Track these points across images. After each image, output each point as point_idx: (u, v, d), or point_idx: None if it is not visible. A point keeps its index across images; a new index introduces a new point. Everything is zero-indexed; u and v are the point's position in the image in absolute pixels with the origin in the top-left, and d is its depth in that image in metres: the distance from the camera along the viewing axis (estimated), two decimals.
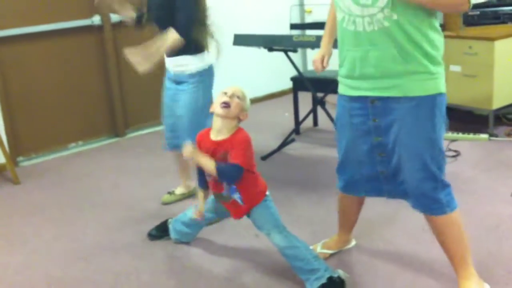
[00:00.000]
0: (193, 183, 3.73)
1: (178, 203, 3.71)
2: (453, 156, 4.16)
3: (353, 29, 2.30)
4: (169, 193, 3.76)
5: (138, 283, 2.84)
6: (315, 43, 4.04)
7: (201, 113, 3.28)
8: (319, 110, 4.90)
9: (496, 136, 4.49)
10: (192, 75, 3.31)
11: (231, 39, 4.37)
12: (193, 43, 3.25)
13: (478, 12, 4.72)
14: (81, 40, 4.98)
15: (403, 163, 2.38)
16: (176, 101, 3.37)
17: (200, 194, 2.82)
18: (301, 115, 4.95)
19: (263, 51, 4.46)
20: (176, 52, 3.28)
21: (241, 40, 4.43)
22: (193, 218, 2.96)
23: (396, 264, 2.82)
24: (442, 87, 2.33)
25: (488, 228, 3.10)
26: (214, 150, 2.56)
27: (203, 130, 2.70)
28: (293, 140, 4.79)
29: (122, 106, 5.29)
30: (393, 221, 3.22)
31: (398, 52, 2.25)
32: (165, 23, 3.19)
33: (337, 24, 2.42)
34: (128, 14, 3.43)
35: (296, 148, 4.69)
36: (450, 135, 4.49)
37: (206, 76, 3.36)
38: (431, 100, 2.31)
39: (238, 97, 2.57)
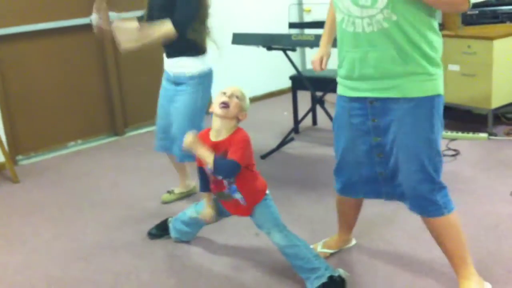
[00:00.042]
0: (192, 182, 3.74)
1: (178, 202, 3.71)
2: (453, 155, 4.16)
3: (352, 30, 2.30)
4: (169, 192, 3.76)
5: (138, 282, 2.84)
6: (314, 42, 4.04)
7: (198, 115, 3.28)
8: (318, 109, 4.90)
9: (495, 135, 4.50)
10: (192, 77, 3.30)
11: (229, 38, 4.37)
12: (193, 44, 3.24)
13: (476, 12, 4.73)
14: (81, 39, 4.97)
15: (400, 164, 2.38)
16: (174, 102, 3.36)
17: (206, 198, 2.82)
18: (300, 114, 4.95)
19: (262, 50, 4.46)
20: (177, 53, 3.28)
21: (240, 39, 4.43)
22: (193, 217, 2.98)
23: (396, 264, 2.82)
24: (440, 88, 2.34)
25: (487, 227, 3.10)
26: (214, 150, 2.56)
27: (202, 131, 2.70)
28: (292, 139, 4.79)
29: (121, 105, 5.29)
30: (393, 221, 3.22)
31: (397, 53, 2.25)
32: None
33: (337, 25, 2.42)
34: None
35: (295, 147, 4.69)
36: (450, 134, 4.50)
37: (205, 78, 3.35)
38: (430, 101, 2.31)
39: (237, 97, 2.56)
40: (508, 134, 4.53)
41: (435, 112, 2.32)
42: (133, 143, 5.10)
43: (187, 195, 3.76)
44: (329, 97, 4.59)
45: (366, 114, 2.40)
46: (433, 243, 2.53)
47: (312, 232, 3.15)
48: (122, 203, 3.80)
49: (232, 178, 2.60)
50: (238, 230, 3.23)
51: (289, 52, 4.46)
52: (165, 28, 3.12)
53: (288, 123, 5.10)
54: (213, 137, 2.58)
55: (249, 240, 3.14)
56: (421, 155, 2.33)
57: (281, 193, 3.59)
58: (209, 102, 2.63)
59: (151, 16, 3.28)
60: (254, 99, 5.90)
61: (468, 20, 4.74)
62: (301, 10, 6.46)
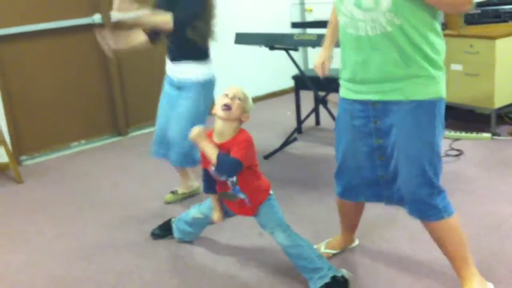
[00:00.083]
0: (195, 183, 3.74)
1: (181, 202, 3.71)
2: (456, 155, 4.16)
3: (355, 33, 2.30)
4: (172, 192, 3.76)
5: (140, 282, 2.85)
6: (316, 42, 4.04)
7: (200, 120, 3.28)
8: (321, 109, 4.90)
9: (499, 135, 4.49)
10: (197, 84, 3.31)
11: (232, 37, 4.37)
12: (197, 48, 3.26)
13: (479, 11, 4.72)
14: (82, 39, 4.98)
15: (400, 167, 2.37)
16: (176, 106, 3.36)
17: (214, 200, 2.82)
18: (303, 114, 4.95)
19: (264, 49, 4.46)
20: (182, 58, 3.28)
21: (242, 38, 4.44)
22: (197, 217, 2.99)
23: (397, 264, 2.82)
24: (442, 91, 2.34)
25: (490, 227, 3.10)
26: None
27: (206, 132, 2.70)
28: (295, 139, 4.79)
29: (124, 105, 5.30)
30: (394, 222, 3.21)
31: (400, 56, 2.25)
32: None
33: (339, 28, 2.42)
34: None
35: (298, 147, 4.69)
36: (453, 134, 4.50)
37: (209, 85, 3.36)
38: (432, 104, 2.31)
39: (239, 98, 2.55)
40: (511, 134, 4.52)
41: (437, 115, 2.32)
42: (136, 143, 5.11)
43: (190, 196, 3.76)
44: (332, 97, 4.57)
45: (368, 116, 2.40)
46: (434, 244, 2.52)
47: (315, 232, 3.15)
48: (124, 203, 3.80)
49: (235, 179, 2.61)
50: (241, 230, 3.23)
51: (291, 52, 4.46)
52: (164, 17, 3.12)
53: (291, 123, 5.10)
54: (216, 139, 2.58)
55: (252, 240, 3.14)
56: (422, 158, 2.32)
57: (284, 193, 3.59)
58: (211, 106, 2.63)
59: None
60: (256, 99, 5.92)
61: (470, 20, 4.74)
62: (303, 10, 6.46)
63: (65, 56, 4.92)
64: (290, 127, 4.93)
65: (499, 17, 4.74)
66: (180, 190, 3.76)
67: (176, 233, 3.17)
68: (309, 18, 6.34)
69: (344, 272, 2.63)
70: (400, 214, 3.19)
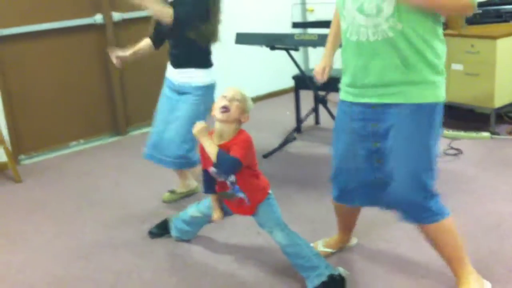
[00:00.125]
0: (193, 182, 3.74)
1: (179, 201, 3.71)
2: (455, 155, 4.15)
3: (357, 39, 2.30)
4: (170, 191, 3.76)
5: (140, 281, 2.84)
6: (317, 42, 4.04)
7: None
8: (321, 108, 4.90)
9: (498, 134, 4.49)
10: (198, 88, 3.31)
11: (233, 37, 4.37)
12: (200, 55, 3.28)
13: (480, 11, 4.72)
14: (83, 39, 4.98)
15: (396, 170, 2.35)
16: (176, 110, 3.36)
17: (213, 201, 2.81)
18: (303, 114, 4.95)
19: (265, 49, 4.46)
20: (185, 64, 3.29)
21: (243, 38, 4.44)
22: (195, 216, 2.99)
23: (395, 263, 2.82)
24: (441, 96, 2.34)
25: (489, 227, 3.09)
26: None
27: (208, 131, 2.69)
28: (294, 139, 4.79)
29: (123, 105, 5.30)
30: (392, 221, 3.18)
31: (401, 61, 2.25)
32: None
33: (341, 34, 2.42)
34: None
35: (298, 146, 4.69)
36: (452, 133, 4.49)
37: (210, 90, 3.36)
38: (431, 107, 2.31)
39: (237, 99, 2.55)
40: (510, 133, 4.52)
41: (435, 119, 2.32)
42: (135, 142, 5.09)
43: (188, 195, 3.75)
44: (332, 97, 4.58)
45: (367, 119, 2.40)
46: None
47: (313, 231, 3.14)
48: (123, 202, 3.80)
49: (235, 178, 2.60)
50: (239, 229, 3.22)
51: (292, 52, 4.46)
52: (166, 8, 3.14)
53: (290, 122, 5.10)
54: (216, 140, 2.57)
55: (250, 239, 3.14)
56: (418, 161, 2.31)
57: (282, 192, 3.58)
58: (211, 109, 2.63)
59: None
60: (257, 99, 5.91)
61: (471, 20, 4.73)
62: (304, 10, 6.46)
63: (65, 56, 4.92)
64: (289, 127, 4.93)
65: (500, 17, 4.74)
66: (178, 190, 3.76)
67: (173, 232, 3.16)
68: (311, 18, 6.34)
69: (341, 270, 2.63)
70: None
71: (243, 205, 2.69)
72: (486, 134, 4.46)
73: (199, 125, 2.56)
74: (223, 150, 2.51)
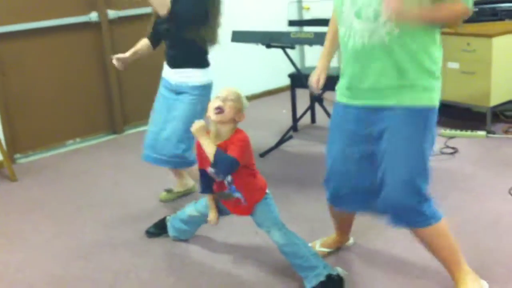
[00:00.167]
0: (190, 181, 3.74)
1: (176, 200, 3.70)
2: (451, 153, 4.16)
3: (354, 43, 2.31)
4: (167, 190, 3.76)
5: (137, 280, 2.84)
6: (313, 40, 4.04)
7: None
8: (317, 107, 4.90)
9: (494, 133, 4.50)
10: (195, 88, 3.30)
11: (229, 35, 4.37)
12: (197, 55, 3.28)
13: (476, 9, 4.72)
14: (79, 37, 4.97)
15: (389, 173, 2.34)
16: (173, 110, 3.35)
17: (210, 201, 2.82)
18: (299, 112, 4.95)
19: (261, 47, 4.45)
20: (182, 63, 3.28)
21: (239, 36, 4.43)
22: (192, 215, 2.99)
23: (393, 263, 2.83)
24: (436, 101, 2.35)
25: (486, 225, 3.10)
26: None
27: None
28: (290, 137, 4.79)
29: (120, 103, 5.29)
30: None
31: (397, 67, 2.26)
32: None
33: (339, 38, 2.43)
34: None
35: (294, 145, 4.69)
36: (448, 132, 4.50)
37: (207, 90, 3.35)
38: (425, 112, 2.32)
39: (231, 99, 2.54)
40: (506, 132, 4.53)
41: (429, 123, 2.33)
42: (132, 141, 5.09)
43: (185, 194, 3.75)
44: (328, 95, 4.58)
45: (361, 121, 2.40)
46: None
47: (311, 230, 3.15)
48: (120, 201, 3.79)
49: (231, 178, 2.60)
50: (237, 228, 3.22)
51: (288, 50, 4.46)
52: (166, 2, 3.13)
53: (286, 121, 5.10)
54: (213, 140, 2.57)
55: (248, 238, 3.14)
56: (412, 165, 2.31)
57: (279, 191, 3.58)
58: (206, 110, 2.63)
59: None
60: (252, 97, 5.92)
61: (467, 18, 4.73)
62: (300, 8, 6.46)
63: (62, 54, 4.90)
64: (285, 125, 4.92)
65: (496, 15, 4.75)
66: (175, 189, 3.76)
67: (171, 232, 3.16)
68: (307, 16, 6.34)
69: (339, 270, 2.64)
70: None
71: (240, 205, 2.69)
72: (482, 132, 4.47)
73: (197, 124, 2.56)
74: (221, 149, 2.51)
